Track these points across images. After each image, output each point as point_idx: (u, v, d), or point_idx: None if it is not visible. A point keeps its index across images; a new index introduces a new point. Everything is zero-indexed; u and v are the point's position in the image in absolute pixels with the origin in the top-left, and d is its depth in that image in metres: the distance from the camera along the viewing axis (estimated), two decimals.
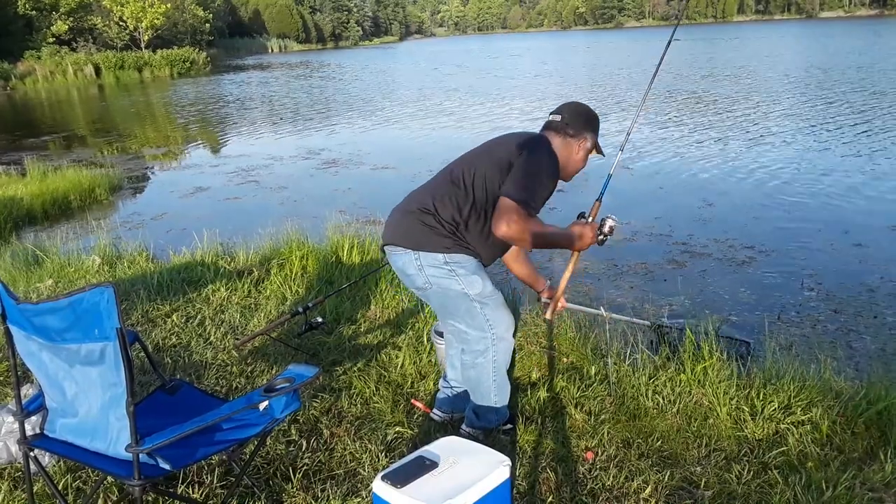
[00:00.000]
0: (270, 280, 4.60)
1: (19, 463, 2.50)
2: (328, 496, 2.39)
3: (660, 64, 3.01)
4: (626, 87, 19.31)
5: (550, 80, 23.53)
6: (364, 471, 2.53)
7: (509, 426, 2.75)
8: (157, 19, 52.85)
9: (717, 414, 2.83)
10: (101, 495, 2.37)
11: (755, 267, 5.50)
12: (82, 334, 1.79)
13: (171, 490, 2.37)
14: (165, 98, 26.74)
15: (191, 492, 2.40)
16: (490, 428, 2.69)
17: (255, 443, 2.20)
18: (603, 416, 2.86)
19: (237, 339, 3.72)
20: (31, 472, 2.18)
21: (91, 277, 4.90)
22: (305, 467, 2.55)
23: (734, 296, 4.91)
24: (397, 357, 3.39)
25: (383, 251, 2.64)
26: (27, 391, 2.44)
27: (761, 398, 2.87)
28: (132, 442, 1.81)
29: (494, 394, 2.61)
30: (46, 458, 2.37)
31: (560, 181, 2.59)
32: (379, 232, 5.65)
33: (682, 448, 2.65)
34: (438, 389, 2.91)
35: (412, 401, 3.01)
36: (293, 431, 2.77)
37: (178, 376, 3.13)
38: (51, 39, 46.93)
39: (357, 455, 2.62)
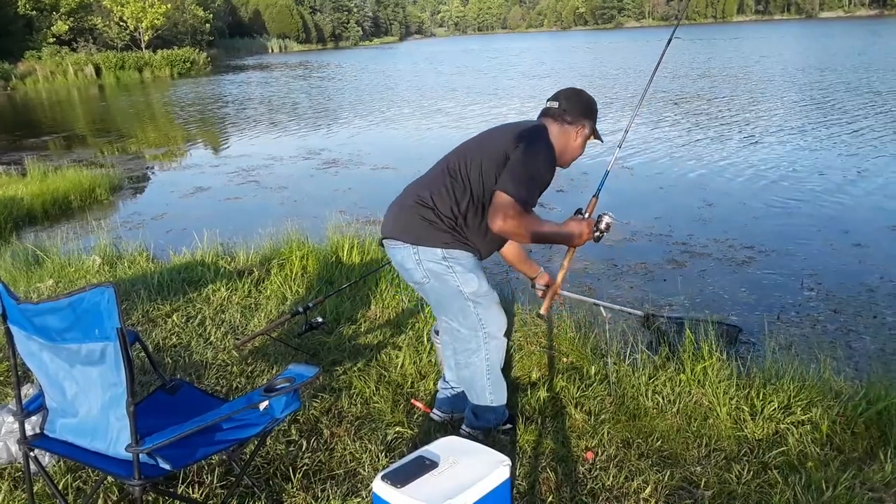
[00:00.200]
0: (270, 280, 4.60)
1: (19, 463, 2.50)
2: (328, 496, 2.39)
3: (658, 64, 3.01)
4: (624, 87, 19.31)
5: (550, 80, 23.52)
6: (364, 471, 2.53)
7: (509, 426, 2.75)
8: (158, 19, 52.84)
9: (717, 414, 2.83)
10: (101, 495, 2.37)
11: (755, 267, 5.50)
12: (83, 334, 1.79)
13: (172, 490, 2.37)
14: (166, 98, 26.74)
15: (191, 492, 2.40)
16: (489, 427, 2.69)
17: (256, 443, 2.21)
18: (603, 416, 2.86)
19: (237, 339, 3.72)
20: (32, 472, 2.18)
21: (91, 277, 4.90)
22: (305, 467, 2.55)
23: (734, 296, 4.91)
24: (397, 357, 3.39)
25: (381, 244, 2.64)
26: (27, 391, 2.44)
27: (761, 398, 2.87)
28: (132, 442, 1.81)
29: (490, 392, 2.61)
30: (46, 458, 2.37)
31: (559, 168, 2.57)
32: (379, 232, 5.67)
33: (682, 448, 2.65)
34: (438, 390, 2.92)
35: (412, 401, 3.01)
36: (293, 431, 2.77)
37: (179, 376, 3.13)
38: (51, 39, 46.92)
39: (357, 455, 2.62)
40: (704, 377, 3.03)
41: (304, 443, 2.70)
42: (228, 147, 13.92)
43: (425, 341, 3.53)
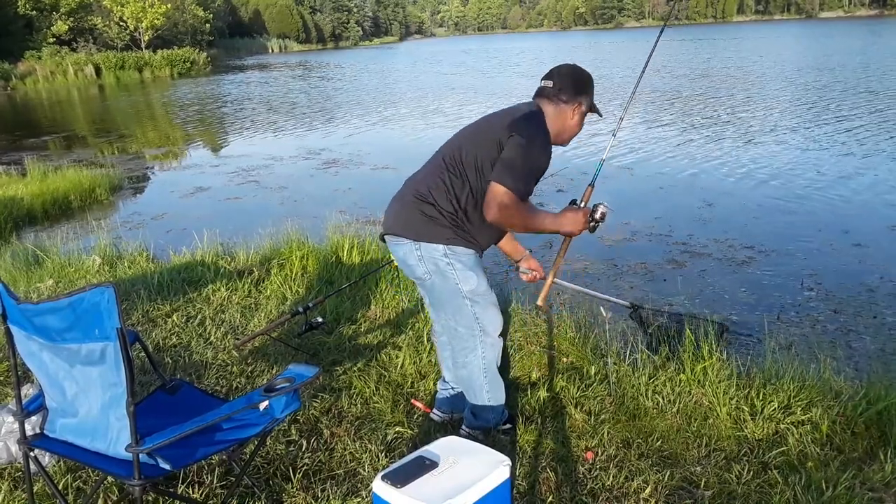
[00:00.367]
0: (271, 280, 4.60)
1: (19, 463, 2.50)
2: (328, 496, 2.39)
3: (650, 56, 2.98)
4: (623, 86, 19.30)
5: None
6: (364, 471, 2.53)
7: (509, 426, 2.75)
8: (158, 19, 52.83)
9: (717, 414, 2.83)
10: (101, 495, 2.37)
11: (755, 267, 5.50)
12: (83, 334, 1.79)
13: (172, 490, 2.37)
14: (166, 98, 26.74)
15: (191, 492, 2.40)
16: (488, 427, 2.69)
17: (255, 443, 2.21)
18: (603, 416, 2.86)
19: (237, 339, 3.72)
20: (32, 472, 2.18)
21: (91, 277, 4.90)
22: (305, 467, 2.55)
23: (734, 296, 4.91)
24: (397, 357, 3.39)
25: (383, 240, 2.64)
26: (27, 391, 2.44)
27: (761, 398, 2.87)
28: (132, 442, 1.81)
29: (487, 392, 2.61)
30: (46, 458, 2.37)
31: (560, 155, 2.57)
32: (379, 232, 5.67)
33: (682, 448, 2.65)
34: (437, 390, 2.92)
35: (412, 401, 3.01)
36: (293, 431, 2.77)
37: (179, 376, 3.13)
38: (51, 39, 46.92)
39: (357, 455, 2.62)
40: (704, 377, 3.03)
41: (304, 443, 2.70)
42: (228, 147, 13.92)
43: (425, 341, 3.53)
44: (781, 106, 14.40)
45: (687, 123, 12.92)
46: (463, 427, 2.71)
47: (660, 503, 2.36)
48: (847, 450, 2.61)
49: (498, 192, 2.32)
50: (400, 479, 1.67)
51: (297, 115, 18.00)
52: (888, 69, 20.55)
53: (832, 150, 9.79)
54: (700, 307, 4.61)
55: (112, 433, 1.88)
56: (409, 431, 2.78)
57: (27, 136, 16.61)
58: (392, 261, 4.07)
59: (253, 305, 4.25)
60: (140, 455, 1.82)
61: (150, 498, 2.30)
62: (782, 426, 2.73)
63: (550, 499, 2.38)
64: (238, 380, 3.27)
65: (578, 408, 2.93)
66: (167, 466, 1.90)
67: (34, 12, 46.54)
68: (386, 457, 2.60)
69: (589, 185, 2.72)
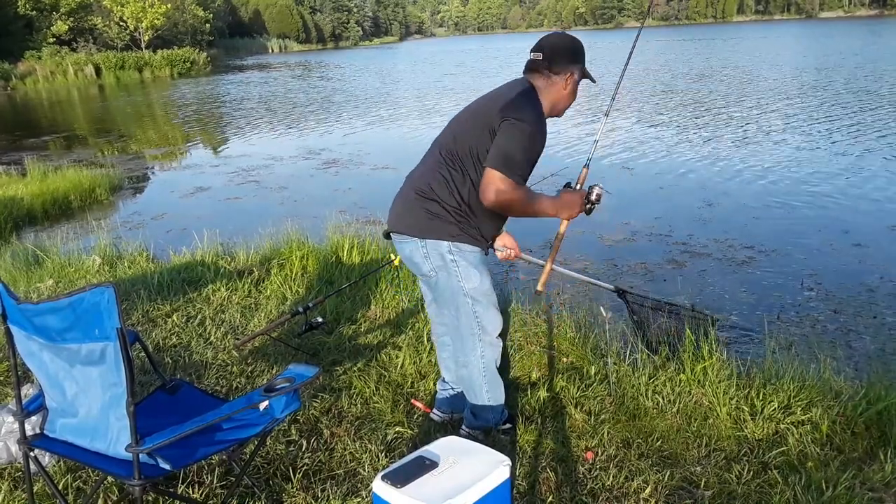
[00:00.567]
0: (271, 280, 4.60)
1: (19, 463, 2.50)
2: (328, 496, 2.39)
3: (631, 51, 2.99)
4: (622, 85, 19.30)
5: None
6: (364, 471, 2.53)
7: (509, 426, 2.75)
8: (158, 19, 52.82)
9: (717, 414, 2.83)
10: (101, 495, 2.37)
11: (755, 267, 5.50)
12: (83, 334, 1.79)
13: (172, 490, 2.37)
14: (166, 98, 26.74)
15: (191, 492, 2.40)
16: (488, 427, 2.69)
17: (255, 443, 2.20)
18: (603, 416, 2.86)
19: (237, 339, 3.72)
20: (32, 472, 2.18)
21: (91, 277, 4.90)
22: (305, 467, 2.55)
23: (734, 296, 4.91)
24: (397, 357, 3.39)
25: (387, 237, 2.63)
26: (27, 391, 2.44)
27: (761, 398, 2.87)
28: (132, 442, 1.81)
29: (487, 391, 2.61)
30: (46, 458, 2.37)
31: (555, 118, 2.54)
32: (379, 232, 5.68)
33: (682, 448, 2.65)
34: (437, 391, 2.92)
35: (412, 401, 3.01)
36: (293, 431, 2.77)
37: (179, 376, 3.13)
38: (51, 39, 46.90)
39: (357, 455, 2.62)
40: (704, 377, 3.03)
41: (304, 443, 2.70)
42: (228, 147, 13.92)
43: (425, 341, 3.53)
44: (781, 106, 14.40)
45: (686, 123, 12.92)
46: (463, 427, 2.71)
47: (660, 503, 2.36)
48: (847, 450, 2.61)
49: (494, 177, 2.30)
50: (400, 479, 1.67)
51: (297, 115, 18.00)
52: (888, 69, 20.54)
53: (832, 150, 9.79)
54: (700, 307, 4.60)
55: (112, 433, 1.88)
56: (409, 431, 2.78)
57: (27, 136, 16.61)
58: (392, 261, 4.07)
59: (253, 305, 4.25)
60: (140, 455, 1.82)
61: (150, 498, 2.30)
62: (782, 426, 2.73)
63: (550, 499, 2.38)
64: (238, 380, 3.27)
65: (578, 408, 2.93)
66: (167, 466, 1.90)
67: (34, 12, 46.52)
68: (386, 457, 2.60)
69: (584, 166, 2.70)
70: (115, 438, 1.88)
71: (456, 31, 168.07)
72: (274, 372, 3.32)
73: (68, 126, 19.25)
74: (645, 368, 3.15)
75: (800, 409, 2.81)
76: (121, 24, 52.53)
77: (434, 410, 2.88)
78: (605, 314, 3.65)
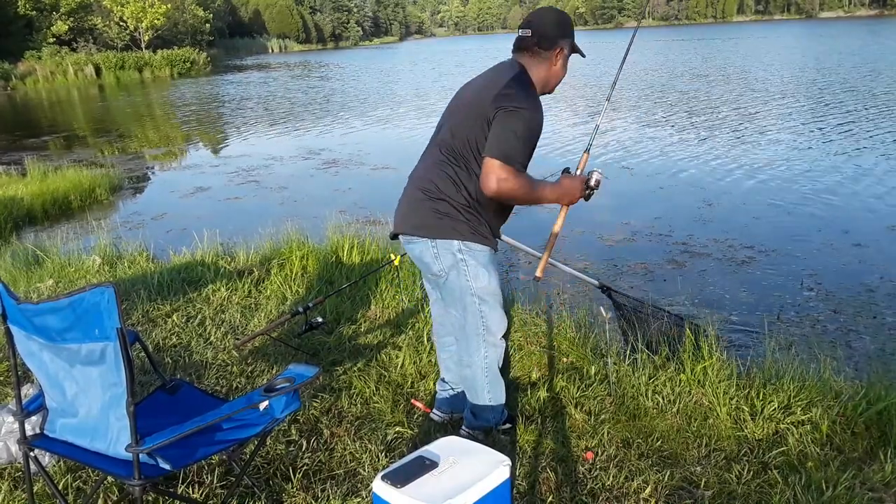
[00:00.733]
0: (270, 280, 4.60)
1: (19, 463, 2.50)
2: (328, 496, 2.39)
3: (632, 39, 2.99)
4: (621, 85, 19.30)
5: None
6: (364, 471, 2.53)
7: (509, 426, 2.75)
8: (158, 19, 52.85)
9: (717, 414, 2.83)
10: (101, 495, 2.37)
11: (755, 267, 5.50)
12: (83, 334, 1.79)
13: (172, 490, 2.37)
14: (166, 98, 26.74)
15: (191, 492, 2.40)
16: (488, 427, 2.68)
17: (255, 443, 2.20)
18: (603, 416, 2.85)
19: (237, 339, 3.72)
20: (32, 472, 2.18)
21: (91, 277, 4.90)
22: (305, 467, 2.55)
23: (734, 296, 4.91)
24: (397, 357, 3.39)
25: (394, 238, 2.63)
26: (27, 391, 2.44)
27: (761, 398, 2.87)
28: (132, 442, 1.81)
29: (488, 391, 2.60)
30: (46, 458, 2.37)
31: (546, 95, 2.52)
32: (379, 232, 5.69)
33: (682, 448, 2.65)
34: (437, 391, 2.92)
35: (412, 401, 3.01)
36: (293, 431, 2.77)
37: (179, 376, 3.13)
38: (51, 39, 46.92)
39: (357, 455, 2.62)
40: (704, 377, 3.03)
41: (304, 443, 2.69)
42: (228, 147, 13.92)
43: (425, 341, 3.53)
44: (781, 106, 14.40)
45: (686, 123, 12.92)
46: (463, 427, 2.71)
47: (660, 503, 2.36)
48: (847, 450, 2.61)
49: (494, 166, 2.28)
50: (400, 479, 1.67)
51: (297, 115, 18.00)
52: (887, 69, 20.54)
53: (832, 150, 9.79)
54: (700, 307, 4.61)
55: (112, 433, 1.88)
56: (409, 431, 2.78)
57: (27, 136, 16.61)
58: (392, 261, 4.07)
59: (253, 305, 4.25)
60: (140, 455, 1.82)
61: (150, 498, 2.30)
62: (782, 426, 2.73)
63: (550, 499, 2.38)
64: (238, 380, 3.27)
65: (578, 408, 2.93)
66: (167, 466, 1.90)
67: (34, 12, 46.53)
68: (386, 457, 2.60)
69: (585, 150, 2.69)
70: (115, 438, 1.87)
71: (456, 31, 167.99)
72: (274, 372, 3.32)
73: (68, 126, 19.25)
74: (645, 368, 3.15)
75: (800, 409, 2.81)
76: (121, 24, 52.55)
77: (434, 410, 2.88)
78: (605, 314, 3.65)
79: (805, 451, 2.59)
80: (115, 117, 21.34)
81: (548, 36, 2.45)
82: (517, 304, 4.11)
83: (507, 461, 1.75)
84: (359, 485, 2.46)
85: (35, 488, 2.31)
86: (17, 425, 2.09)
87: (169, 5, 53.85)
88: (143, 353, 2.58)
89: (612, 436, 2.72)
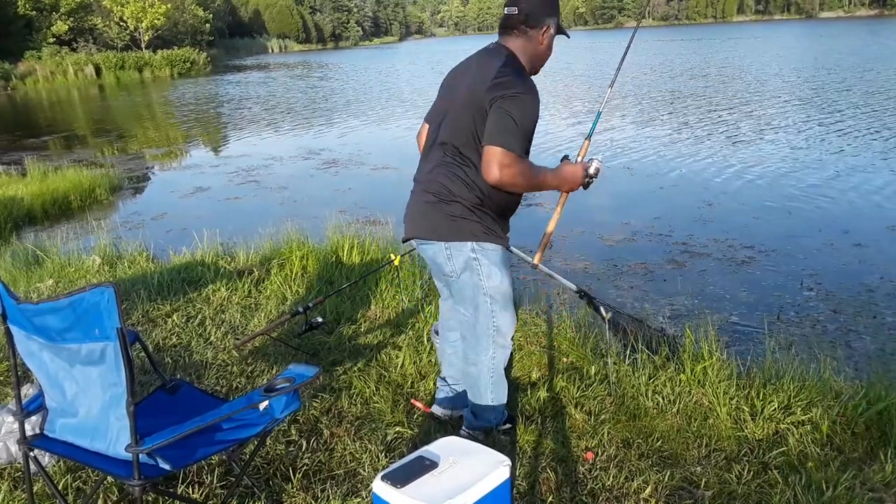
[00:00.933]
0: (270, 280, 4.60)
1: (19, 463, 2.50)
2: (328, 496, 2.39)
3: (633, 33, 2.99)
4: (621, 85, 19.30)
5: (547, 79, 23.52)
6: (364, 471, 2.53)
7: (509, 426, 2.75)
8: (158, 19, 52.83)
9: (717, 414, 2.83)
10: (101, 495, 2.37)
11: (755, 267, 5.50)
12: (83, 334, 1.79)
13: (171, 490, 2.37)
14: (166, 98, 26.74)
15: (191, 492, 2.40)
16: (489, 427, 2.68)
17: (255, 443, 2.20)
18: (603, 416, 2.85)
19: (237, 339, 3.72)
20: (31, 472, 2.18)
21: (91, 277, 4.90)
22: (305, 467, 2.54)
23: (734, 296, 4.91)
24: (397, 357, 3.39)
25: (405, 241, 2.62)
26: (27, 391, 2.44)
27: (761, 398, 2.87)
28: (132, 442, 1.81)
29: (491, 391, 2.60)
30: (46, 458, 2.37)
31: (531, 76, 2.48)
32: (379, 232, 5.68)
33: (683, 448, 2.65)
34: (437, 387, 2.91)
35: (412, 401, 3.01)
36: (293, 431, 2.77)
37: (179, 376, 3.13)
38: (51, 39, 46.90)
39: (357, 455, 2.62)
40: (704, 377, 3.03)
41: (304, 443, 2.69)
42: (228, 147, 13.92)
43: (425, 341, 3.53)
44: (781, 106, 14.40)
45: (686, 123, 12.92)
46: (463, 427, 2.70)
47: (660, 503, 2.36)
48: (847, 450, 2.61)
49: (495, 153, 2.25)
50: (400, 479, 1.67)
51: (297, 115, 18.00)
52: (887, 70, 20.54)
53: (832, 150, 9.79)
54: (700, 307, 4.62)
55: (112, 433, 1.88)
56: (409, 431, 2.78)
57: (27, 136, 16.61)
58: (392, 261, 4.08)
59: (253, 305, 4.25)
60: (140, 455, 1.82)
61: (149, 498, 2.30)
62: (782, 426, 2.73)
63: (550, 499, 2.38)
64: (238, 380, 3.27)
65: (578, 408, 2.92)
66: (167, 466, 1.90)
67: (34, 12, 46.52)
68: (386, 457, 2.60)
69: (586, 137, 2.67)
70: (115, 438, 1.87)
71: (456, 31, 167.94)
72: (274, 372, 3.32)
73: (68, 126, 19.25)
74: (645, 368, 3.15)
75: (800, 409, 2.80)
76: (121, 24, 52.54)
77: (434, 406, 2.89)
78: (605, 314, 3.64)
79: (805, 451, 2.59)
80: (115, 117, 21.35)
81: (535, 13, 2.41)
82: (517, 305, 4.10)
83: (507, 461, 1.75)
84: (359, 485, 2.46)
85: (35, 488, 2.31)
86: (16, 425, 2.09)
87: (169, 5, 53.83)
88: (142, 353, 2.58)
89: (613, 436, 2.72)
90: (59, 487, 2.32)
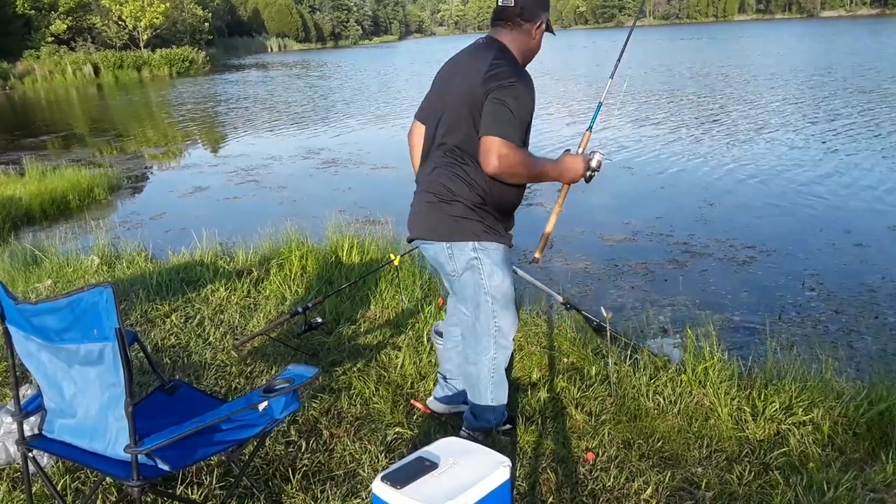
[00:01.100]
0: (270, 280, 4.59)
1: (18, 463, 2.49)
2: (328, 497, 2.38)
3: (632, 28, 2.97)
4: (620, 84, 19.29)
5: (547, 78, 23.53)
6: (364, 471, 2.52)
7: (509, 427, 2.74)
8: (156, 18, 52.82)
9: (718, 414, 2.82)
10: (100, 496, 2.36)
11: (756, 267, 5.49)
12: (81, 334, 1.78)
13: (170, 491, 2.36)
14: (164, 97, 26.73)
15: (190, 492, 2.39)
16: (489, 428, 2.67)
17: (255, 443, 2.20)
18: (603, 417, 2.85)
19: (236, 339, 3.71)
20: (30, 472, 2.17)
21: (90, 277, 4.88)
22: (305, 468, 2.54)
23: (735, 296, 4.91)
24: (397, 357, 3.38)
25: (410, 241, 2.62)
26: (26, 391, 2.43)
27: (762, 399, 2.87)
28: (131, 442, 1.80)
29: (491, 392, 2.59)
30: (45, 459, 2.36)
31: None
32: (379, 232, 5.67)
33: (683, 449, 2.64)
34: (437, 382, 2.91)
35: (412, 401, 3.00)
36: (292, 432, 2.76)
37: (178, 376, 3.12)
38: (50, 39, 46.89)
39: (357, 456, 2.61)
40: (705, 378, 3.02)
41: (304, 443, 2.69)
42: (227, 146, 13.91)
43: (425, 341, 3.52)
44: (782, 106, 14.40)
45: (686, 123, 12.92)
46: (463, 428, 2.70)
47: None
48: (848, 451, 2.60)
49: (493, 143, 2.23)
50: (400, 479, 1.66)
51: (296, 115, 17.99)
52: (888, 69, 20.54)
53: (833, 150, 9.79)
54: (701, 307, 4.61)
55: (111, 434, 1.87)
56: (409, 432, 2.78)
57: (25, 136, 16.60)
58: (392, 261, 4.07)
59: (252, 305, 4.24)
60: (139, 456, 1.81)
61: (148, 499, 2.29)
62: (784, 427, 2.72)
63: (551, 500, 2.37)
64: (237, 380, 3.26)
65: (579, 408, 2.92)
66: (166, 467, 1.89)
67: (33, 11, 46.51)
68: (386, 457, 2.59)
69: (587, 129, 2.66)
70: (114, 439, 1.87)
71: (456, 30, 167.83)
72: (273, 372, 3.31)
73: (67, 125, 19.24)
74: (646, 369, 3.14)
75: (801, 409, 2.80)
76: (119, 23, 52.52)
77: (431, 399, 2.88)
78: (605, 314, 3.63)
79: (806, 451, 2.58)
80: (113, 117, 21.34)
81: (530, 7, 2.40)
82: (517, 305, 4.09)
83: (508, 462, 1.74)
84: (358, 486, 2.45)
85: (34, 489, 2.30)
86: (15, 426, 2.08)
87: (167, 4, 53.82)
88: (141, 354, 2.57)
89: (613, 436, 2.71)
90: (58, 488, 2.31)
